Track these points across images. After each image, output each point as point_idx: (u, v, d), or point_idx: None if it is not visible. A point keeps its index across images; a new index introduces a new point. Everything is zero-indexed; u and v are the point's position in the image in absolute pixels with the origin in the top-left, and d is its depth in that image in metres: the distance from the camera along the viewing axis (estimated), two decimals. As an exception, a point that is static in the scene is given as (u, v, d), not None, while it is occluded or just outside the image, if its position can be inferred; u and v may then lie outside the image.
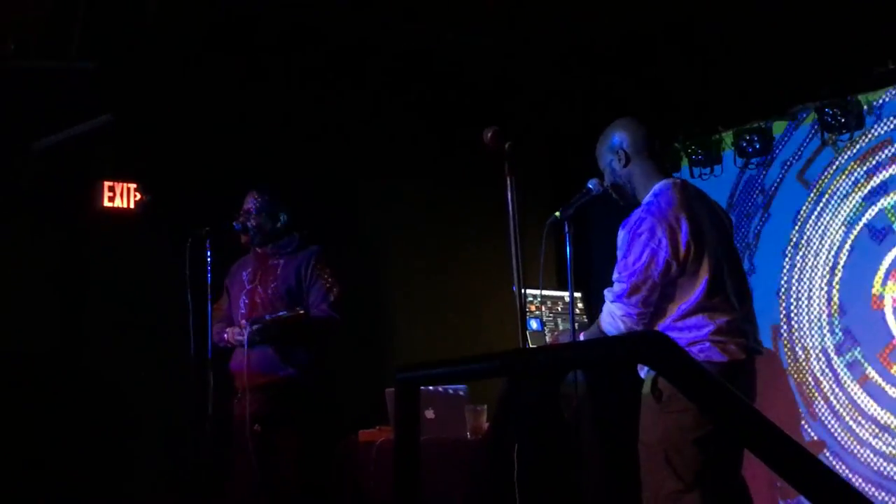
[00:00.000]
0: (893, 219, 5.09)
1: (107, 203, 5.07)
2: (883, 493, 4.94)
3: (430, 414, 4.15)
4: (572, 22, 5.55)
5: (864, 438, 5.08)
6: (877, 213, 5.17)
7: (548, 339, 4.41)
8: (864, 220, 5.23)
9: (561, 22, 5.56)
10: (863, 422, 5.10)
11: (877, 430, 5.03)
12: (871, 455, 5.03)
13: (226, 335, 4.12)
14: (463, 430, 4.17)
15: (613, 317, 3.20)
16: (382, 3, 5.26)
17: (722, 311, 3.13)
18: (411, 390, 2.21)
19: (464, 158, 5.12)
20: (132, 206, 5.10)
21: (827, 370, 5.31)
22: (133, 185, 5.12)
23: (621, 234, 3.23)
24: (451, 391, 4.12)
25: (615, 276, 3.22)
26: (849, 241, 5.29)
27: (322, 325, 4.08)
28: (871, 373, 5.08)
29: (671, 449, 3.05)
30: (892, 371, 5.01)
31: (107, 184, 5.09)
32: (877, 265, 5.12)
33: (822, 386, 5.32)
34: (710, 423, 2.96)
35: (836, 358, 5.27)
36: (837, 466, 5.12)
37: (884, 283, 5.08)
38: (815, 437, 5.30)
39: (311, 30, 5.47)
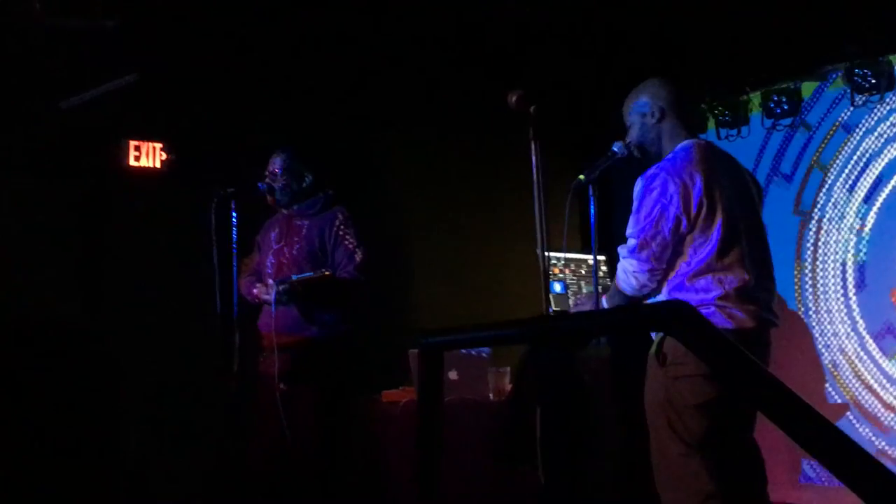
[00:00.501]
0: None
1: (133, 162, 5.08)
2: None
3: (453, 375, 4.18)
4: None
5: (889, 402, 5.08)
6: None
7: (571, 301, 4.42)
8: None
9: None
10: (888, 385, 5.10)
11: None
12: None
13: (255, 290, 4.15)
14: (486, 391, 4.21)
15: (626, 273, 3.20)
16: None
17: (733, 275, 3.09)
18: (436, 355, 2.22)
19: (489, 117, 5.08)
20: (158, 165, 5.12)
21: (852, 333, 5.29)
22: (159, 145, 5.13)
23: (635, 190, 3.22)
24: (474, 353, 4.15)
25: (628, 231, 3.22)
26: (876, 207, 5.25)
27: (348, 287, 4.09)
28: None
29: (673, 413, 3.05)
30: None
31: (133, 143, 5.10)
32: None
33: (846, 350, 5.30)
34: (713, 389, 2.95)
35: (860, 321, 5.25)
36: (861, 430, 5.12)
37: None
38: (839, 401, 5.30)
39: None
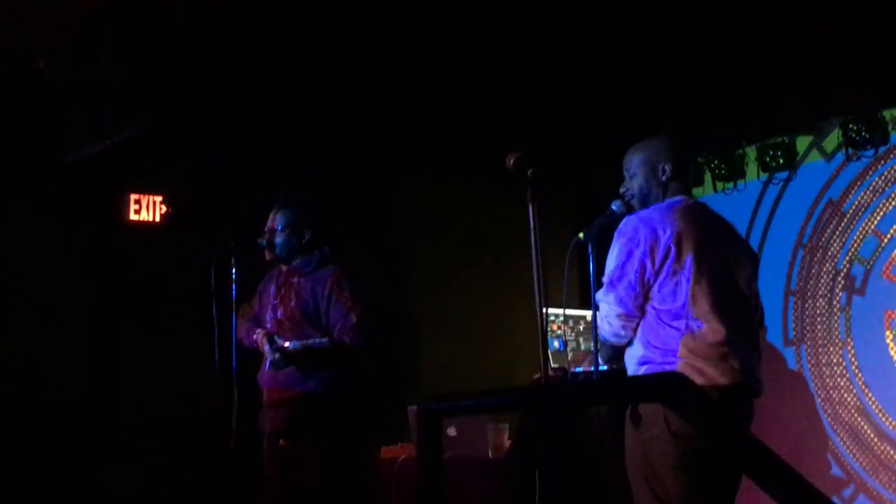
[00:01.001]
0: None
1: (133, 216, 5.11)
2: None
3: (451, 432, 4.17)
4: (597, 37, 5.55)
5: None
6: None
7: (569, 358, 4.43)
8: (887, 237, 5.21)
9: (585, 36, 5.56)
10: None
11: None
12: None
13: (255, 335, 4.13)
14: (485, 448, 4.19)
15: (601, 319, 3.20)
16: (414, 9, 5.25)
17: (705, 328, 3.05)
18: (435, 421, 2.23)
19: (491, 176, 5.12)
20: (158, 219, 5.15)
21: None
22: (159, 198, 5.16)
23: (614, 235, 3.25)
24: (472, 409, 4.12)
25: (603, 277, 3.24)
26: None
27: (345, 351, 4.05)
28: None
29: (651, 474, 3.02)
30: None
31: (133, 196, 5.13)
32: None
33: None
34: (687, 448, 2.92)
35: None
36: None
37: None
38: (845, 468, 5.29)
39: (342, 36, 5.48)
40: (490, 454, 4.15)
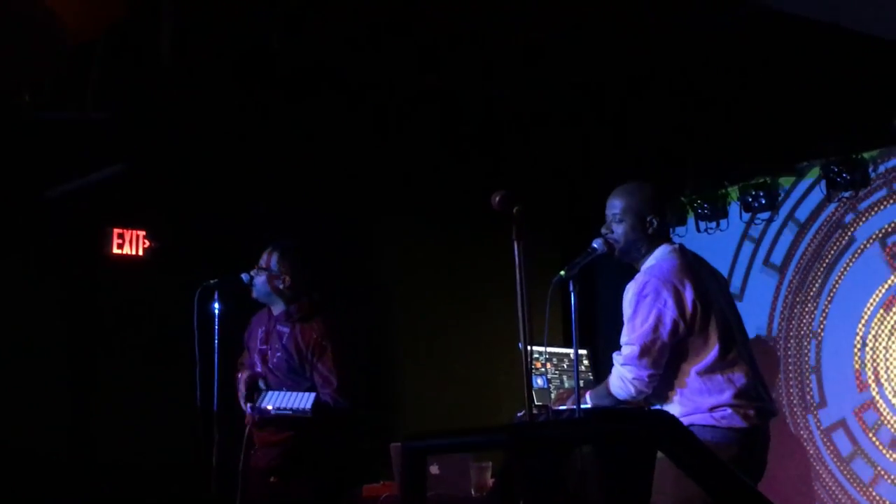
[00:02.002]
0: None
1: (116, 250, 5.09)
2: None
3: (434, 470, 4.15)
4: (583, 78, 5.61)
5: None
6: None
7: (552, 396, 4.42)
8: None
9: (570, 77, 5.62)
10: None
11: None
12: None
13: (239, 376, 4.12)
14: (467, 486, 4.17)
15: (624, 380, 3.22)
16: (398, 51, 5.31)
17: (740, 372, 3.15)
18: (419, 458, 2.22)
19: (476, 213, 5.14)
20: (141, 253, 5.13)
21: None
22: (142, 233, 5.15)
23: (627, 298, 3.26)
24: (456, 447, 4.10)
25: (623, 339, 3.24)
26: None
27: (328, 412, 3.96)
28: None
29: (683, 501, 3.04)
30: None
31: (116, 231, 5.12)
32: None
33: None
34: None
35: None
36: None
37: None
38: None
39: (325, 77, 5.52)
40: (473, 493, 4.13)
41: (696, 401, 3.13)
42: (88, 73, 4.87)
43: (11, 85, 4.75)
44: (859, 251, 5.31)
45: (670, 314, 3.14)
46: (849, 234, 5.37)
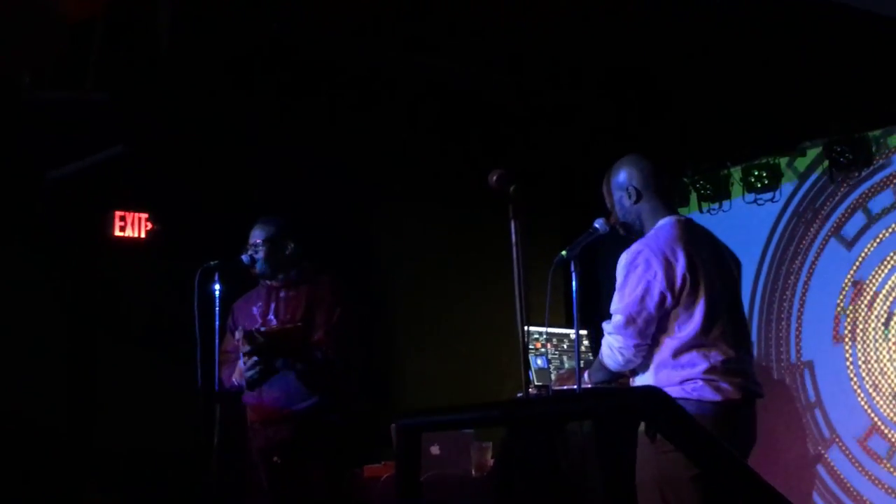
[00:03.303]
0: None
1: (118, 232, 5.10)
2: None
3: (435, 450, 4.16)
4: (583, 58, 5.58)
5: None
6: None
7: (553, 377, 4.43)
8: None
9: (572, 57, 5.59)
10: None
11: None
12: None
13: (234, 379, 4.08)
14: (468, 466, 4.18)
15: (612, 349, 3.22)
16: (396, 35, 5.30)
17: (717, 349, 3.13)
18: (414, 436, 2.22)
19: (476, 192, 5.14)
20: (143, 235, 5.14)
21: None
22: (144, 215, 5.15)
23: (619, 266, 3.25)
24: (456, 428, 4.11)
25: (612, 307, 3.24)
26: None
27: (324, 367, 3.98)
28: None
29: (667, 487, 3.05)
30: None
31: (118, 213, 5.12)
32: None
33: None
34: None
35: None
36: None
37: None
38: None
39: (325, 60, 5.51)
40: (473, 472, 4.14)
41: (671, 374, 3.13)
42: (88, 54, 4.87)
43: (11, 66, 4.76)
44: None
45: (658, 286, 3.13)
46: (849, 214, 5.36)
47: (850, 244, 5.36)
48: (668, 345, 3.16)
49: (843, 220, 5.40)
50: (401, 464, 2.21)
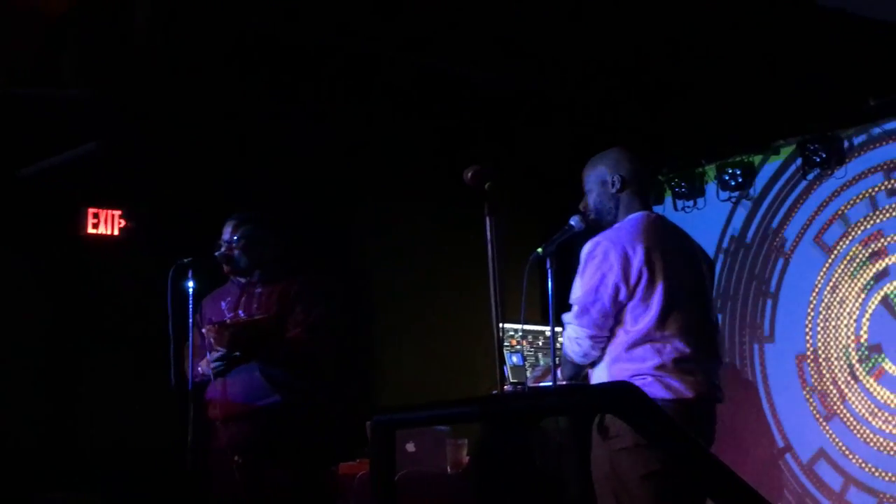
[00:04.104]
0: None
1: (91, 229, 5.06)
2: (885, 472, 5.04)
3: (410, 447, 4.15)
4: (559, 55, 5.59)
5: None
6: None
7: (528, 373, 4.44)
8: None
9: (547, 56, 5.60)
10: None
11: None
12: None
13: (200, 368, 4.04)
14: (443, 463, 4.17)
15: (570, 339, 3.21)
16: (374, 31, 5.29)
17: (672, 345, 3.10)
18: (388, 433, 2.21)
19: (454, 190, 5.14)
20: (116, 232, 5.10)
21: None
22: (117, 212, 5.11)
23: (582, 254, 3.24)
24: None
25: (571, 297, 3.24)
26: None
27: (297, 363, 3.95)
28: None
29: (619, 486, 3.04)
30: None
31: (91, 210, 5.08)
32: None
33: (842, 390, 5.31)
34: (657, 460, 2.94)
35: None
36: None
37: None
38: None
39: (304, 56, 5.49)
40: (449, 470, 4.14)
41: (623, 368, 3.11)
42: (64, 50, 4.84)
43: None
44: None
45: (613, 278, 3.12)
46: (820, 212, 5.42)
47: (823, 243, 5.41)
48: (623, 338, 3.14)
49: (815, 218, 5.44)
50: (375, 461, 2.20)
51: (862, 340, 5.19)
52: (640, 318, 3.12)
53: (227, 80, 5.33)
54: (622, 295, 3.12)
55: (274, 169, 5.43)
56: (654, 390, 3.03)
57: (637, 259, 3.12)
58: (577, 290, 3.20)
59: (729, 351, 5.69)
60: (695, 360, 3.13)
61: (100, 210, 5.06)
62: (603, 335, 3.16)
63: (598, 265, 3.14)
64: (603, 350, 3.18)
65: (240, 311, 4.07)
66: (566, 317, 3.24)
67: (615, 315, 3.15)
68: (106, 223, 5.06)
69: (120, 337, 4.90)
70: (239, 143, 5.36)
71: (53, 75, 4.87)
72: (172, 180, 5.16)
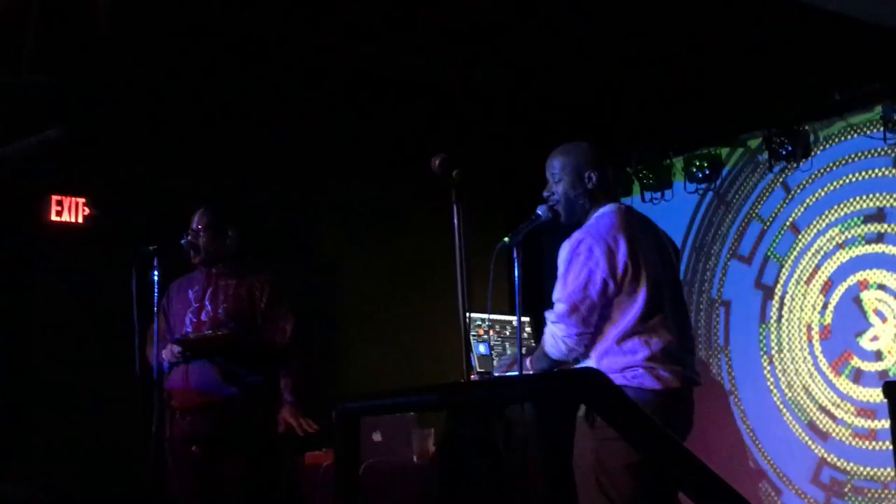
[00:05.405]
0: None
1: (54, 217, 5.00)
2: (853, 464, 5.09)
3: (377, 437, 4.14)
4: (527, 45, 5.59)
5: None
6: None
7: (495, 363, 4.44)
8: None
9: (515, 48, 5.60)
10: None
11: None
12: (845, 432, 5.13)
13: (164, 354, 4.03)
14: (410, 453, 4.17)
15: (555, 338, 3.22)
16: (340, 19, 5.26)
17: (658, 336, 3.13)
18: (353, 421, 2.21)
19: (418, 179, 5.13)
20: (80, 220, 5.04)
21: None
22: (82, 200, 5.05)
23: (561, 255, 3.25)
24: (398, 415, 4.11)
25: (555, 296, 3.24)
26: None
27: (282, 351, 4.01)
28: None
29: (603, 474, 3.06)
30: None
31: (55, 197, 5.02)
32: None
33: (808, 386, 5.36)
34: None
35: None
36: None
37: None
38: (759, 464, 5.38)
39: (266, 43, 5.45)
40: (415, 459, 4.13)
41: (613, 361, 3.13)
42: (24, 36, 4.76)
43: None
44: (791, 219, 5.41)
45: (601, 273, 3.14)
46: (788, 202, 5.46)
47: (789, 235, 5.46)
48: (611, 332, 3.16)
49: (781, 210, 5.49)
50: (340, 449, 2.20)
51: (826, 332, 5.24)
52: (628, 310, 3.14)
53: (188, 67, 5.28)
54: (611, 289, 3.13)
55: (238, 157, 5.39)
56: (646, 381, 3.07)
57: (621, 252, 3.13)
58: (564, 289, 3.19)
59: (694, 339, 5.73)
60: (678, 349, 3.17)
61: (64, 197, 4.99)
62: (589, 331, 3.17)
63: (584, 262, 3.15)
64: (587, 347, 3.19)
65: (206, 302, 4.06)
66: (549, 315, 3.24)
67: (601, 310, 3.16)
68: (70, 211, 5.00)
69: (84, 326, 4.85)
70: (203, 130, 5.31)
71: (13, 62, 4.79)
72: (137, 168, 5.11)
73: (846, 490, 5.08)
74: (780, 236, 5.51)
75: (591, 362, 3.20)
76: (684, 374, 3.16)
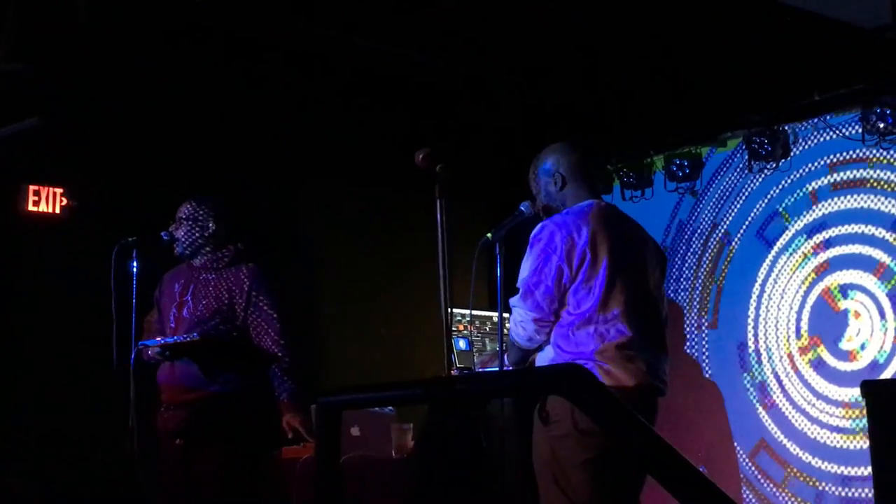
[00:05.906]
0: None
1: (31, 207, 4.95)
2: (824, 462, 5.13)
3: (355, 431, 4.13)
4: (511, 43, 5.58)
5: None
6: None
7: (476, 359, 4.44)
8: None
9: (497, 46, 5.60)
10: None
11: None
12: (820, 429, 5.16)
13: (150, 352, 4.00)
14: (388, 448, 4.16)
15: (515, 323, 3.22)
16: (325, 12, 5.23)
17: (615, 329, 3.11)
18: (334, 414, 2.20)
19: (402, 174, 5.12)
20: (58, 211, 5.00)
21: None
22: (59, 190, 5.01)
23: (529, 240, 3.27)
24: (377, 409, 4.10)
25: (518, 280, 3.25)
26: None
27: (266, 358, 3.98)
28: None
29: (558, 471, 3.06)
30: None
31: (32, 187, 4.97)
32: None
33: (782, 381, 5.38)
34: (595, 447, 2.96)
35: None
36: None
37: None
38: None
39: (249, 34, 5.42)
40: (394, 454, 4.12)
41: (565, 350, 3.13)
42: (3, 23, 4.71)
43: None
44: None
45: (557, 260, 3.13)
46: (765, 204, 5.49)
47: (767, 234, 5.48)
48: (566, 321, 3.15)
49: (760, 210, 5.52)
50: (320, 442, 2.18)
51: (802, 332, 5.28)
52: (584, 300, 3.13)
53: (170, 57, 5.24)
54: (565, 277, 3.13)
55: (220, 149, 5.36)
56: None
57: (581, 241, 3.13)
58: (521, 273, 3.21)
59: (673, 336, 5.74)
60: (637, 348, 3.13)
61: (41, 187, 4.95)
62: (547, 319, 3.16)
63: (543, 248, 3.16)
64: (548, 334, 3.18)
65: (187, 298, 4.03)
66: (512, 300, 3.25)
67: (560, 298, 3.15)
68: (47, 201, 4.96)
69: (61, 318, 4.80)
70: (184, 121, 5.28)
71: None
72: (116, 159, 5.07)
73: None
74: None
75: (547, 351, 3.20)
76: (642, 375, 3.10)
